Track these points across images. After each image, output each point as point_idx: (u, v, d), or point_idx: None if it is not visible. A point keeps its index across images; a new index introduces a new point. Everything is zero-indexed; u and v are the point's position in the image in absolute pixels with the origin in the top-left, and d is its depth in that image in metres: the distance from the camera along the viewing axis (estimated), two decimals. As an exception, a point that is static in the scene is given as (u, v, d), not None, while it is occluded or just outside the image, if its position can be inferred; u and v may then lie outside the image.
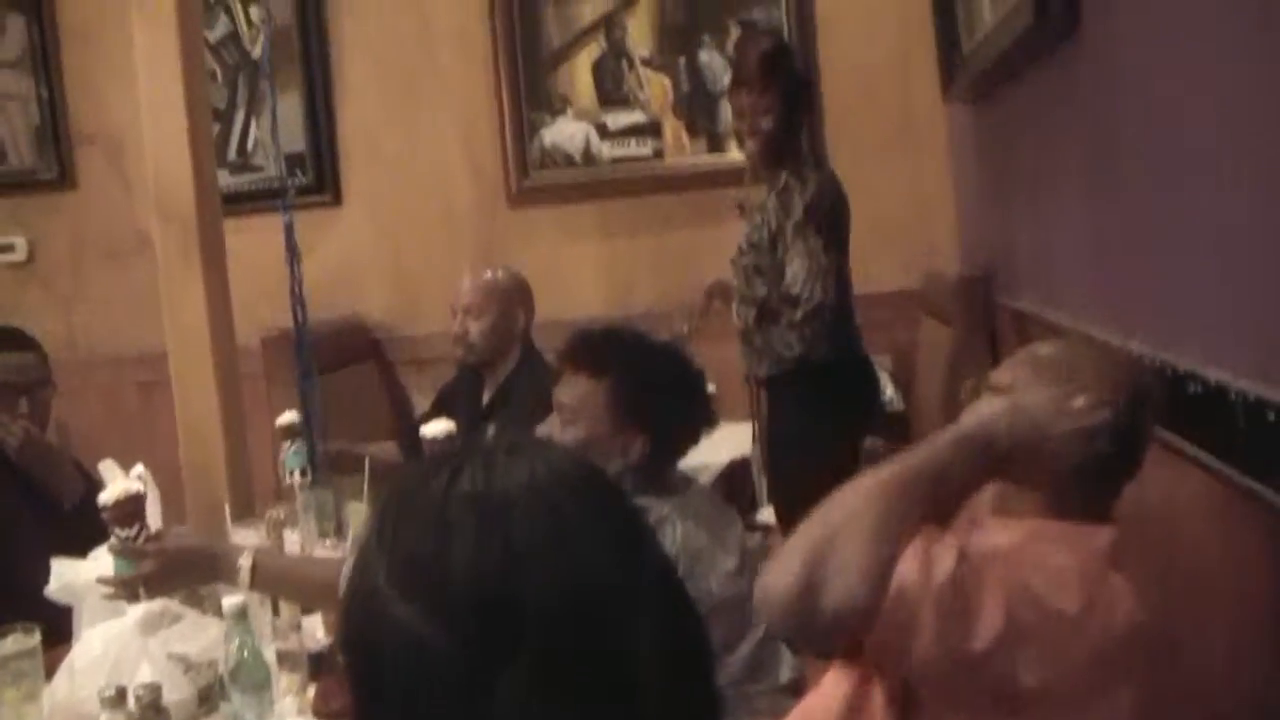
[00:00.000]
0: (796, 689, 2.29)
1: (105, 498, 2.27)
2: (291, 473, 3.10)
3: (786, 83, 3.62)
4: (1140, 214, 2.23)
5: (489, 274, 3.76)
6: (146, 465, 2.59)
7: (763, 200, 3.67)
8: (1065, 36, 2.58)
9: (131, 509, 2.28)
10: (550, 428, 2.48)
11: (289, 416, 3.21)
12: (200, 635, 2.25)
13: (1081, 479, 1.66)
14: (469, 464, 1.02)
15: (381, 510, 1.05)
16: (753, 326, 3.66)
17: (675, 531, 2.31)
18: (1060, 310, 2.93)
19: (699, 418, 2.51)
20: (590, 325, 2.62)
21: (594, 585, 0.98)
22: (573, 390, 2.45)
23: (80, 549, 2.43)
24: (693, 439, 2.49)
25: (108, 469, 2.48)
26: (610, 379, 2.43)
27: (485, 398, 3.72)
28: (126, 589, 2.24)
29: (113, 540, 2.25)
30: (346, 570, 1.08)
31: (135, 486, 2.33)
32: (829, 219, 3.53)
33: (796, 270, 3.51)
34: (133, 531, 2.25)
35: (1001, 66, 3.27)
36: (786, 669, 2.37)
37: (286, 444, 3.16)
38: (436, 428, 2.63)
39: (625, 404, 2.41)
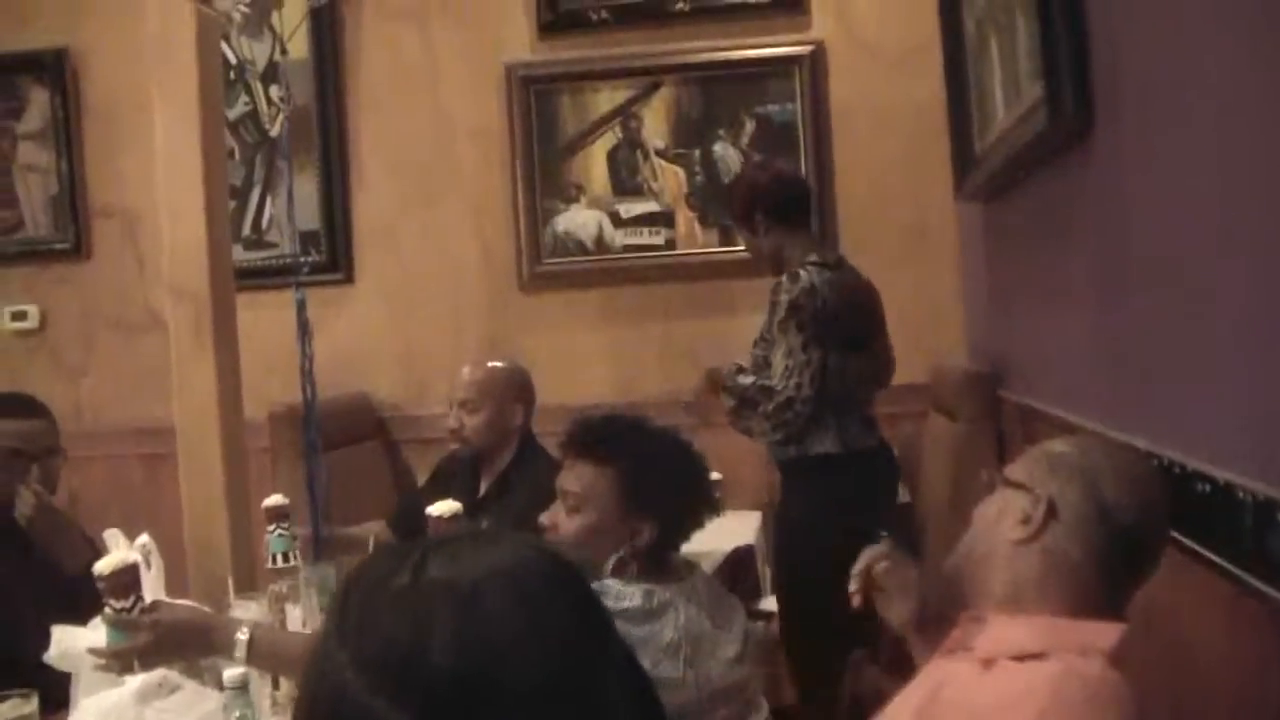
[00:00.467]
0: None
1: (100, 567, 2.23)
2: (275, 556, 3.00)
3: (764, 204, 3.82)
4: (1147, 314, 2.25)
5: (487, 366, 3.76)
6: (151, 537, 2.58)
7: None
8: (1078, 139, 2.61)
9: (127, 579, 2.24)
10: (552, 516, 2.47)
11: (275, 499, 3.11)
12: (198, 706, 2.23)
13: (1099, 575, 1.67)
14: (433, 553, 1.01)
15: (343, 600, 1.03)
16: (735, 411, 3.74)
17: (679, 617, 2.30)
18: (1067, 407, 2.94)
19: (703, 505, 2.51)
20: (591, 413, 2.62)
21: (572, 665, 0.98)
22: (579, 478, 2.44)
23: (82, 617, 2.43)
24: (697, 525, 2.49)
25: (112, 538, 2.48)
26: (617, 467, 2.43)
27: (482, 487, 3.71)
28: (120, 660, 2.21)
29: (107, 611, 2.22)
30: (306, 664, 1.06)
31: (132, 557, 2.30)
32: (813, 316, 3.60)
33: (776, 364, 3.62)
34: (128, 603, 2.22)
35: (1013, 167, 3.30)
36: (783, 754, 2.36)
37: (271, 527, 3.05)
38: (443, 507, 2.62)
39: (632, 491, 2.41)
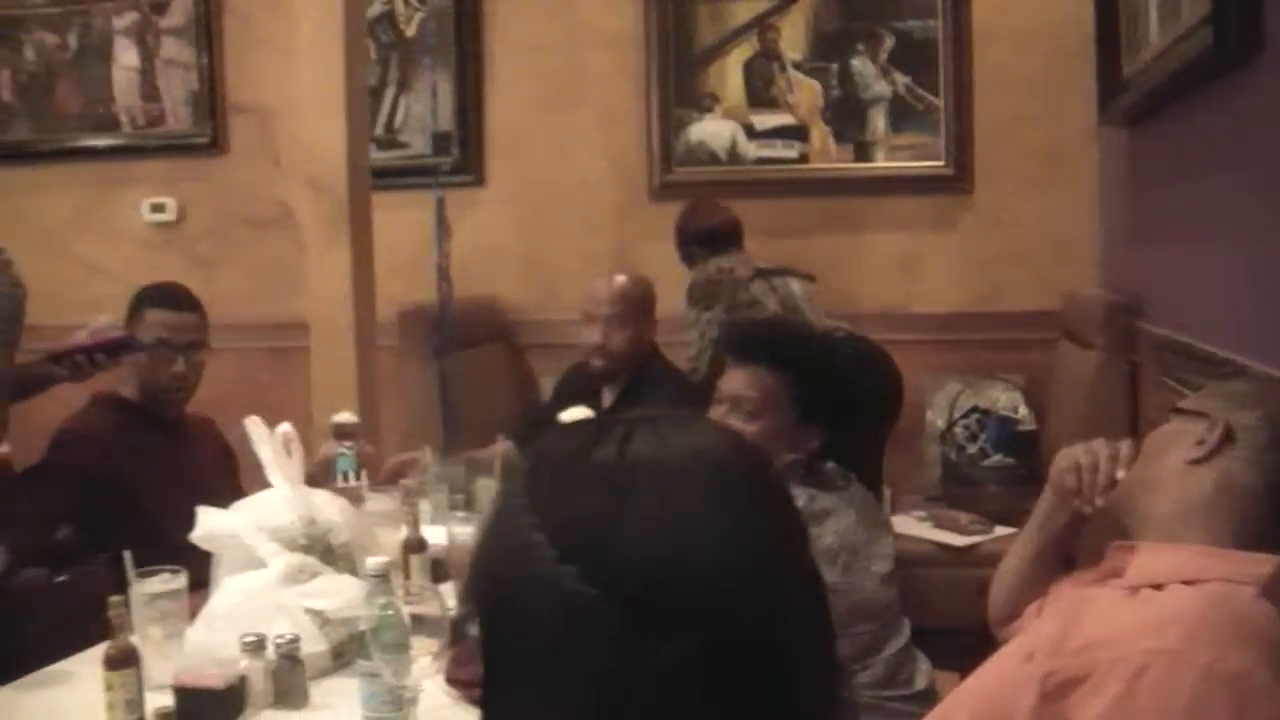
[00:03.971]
0: (929, 698, 2.28)
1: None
2: (344, 475, 2.96)
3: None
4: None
5: (628, 280, 3.74)
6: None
7: None
8: (1243, 62, 2.52)
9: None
10: (719, 421, 2.45)
11: (344, 416, 3.09)
12: (339, 593, 2.28)
13: (1269, 503, 1.64)
14: (638, 429, 0.98)
15: (535, 467, 1.00)
16: None
17: (839, 524, 2.30)
18: (1217, 341, 2.86)
19: (871, 412, 2.51)
20: (755, 320, 2.61)
21: (762, 574, 0.94)
22: (752, 383, 2.43)
23: (225, 502, 2.49)
24: (867, 429, 2.50)
25: (253, 425, 2.52)
26: (794, 372, 2.43)
27: (606, 398, 3.71)
28: None
29: None
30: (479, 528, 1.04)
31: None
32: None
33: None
34: None
35: (1167, 91, 3.21)
36: (923, 677, 2.36)
37: (337, 444, 3.03)
38: (576, 413, 2.63)
39: (809, 397, 2.42)
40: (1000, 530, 4.13)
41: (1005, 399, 4.57)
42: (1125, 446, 1.84)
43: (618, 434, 0.98)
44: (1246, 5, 2.46)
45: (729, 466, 0.98)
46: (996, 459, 4.40)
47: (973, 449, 4.39)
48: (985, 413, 4.46)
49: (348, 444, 3.00)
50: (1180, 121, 3.25)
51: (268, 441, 2.47)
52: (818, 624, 1.00)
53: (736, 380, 2.46)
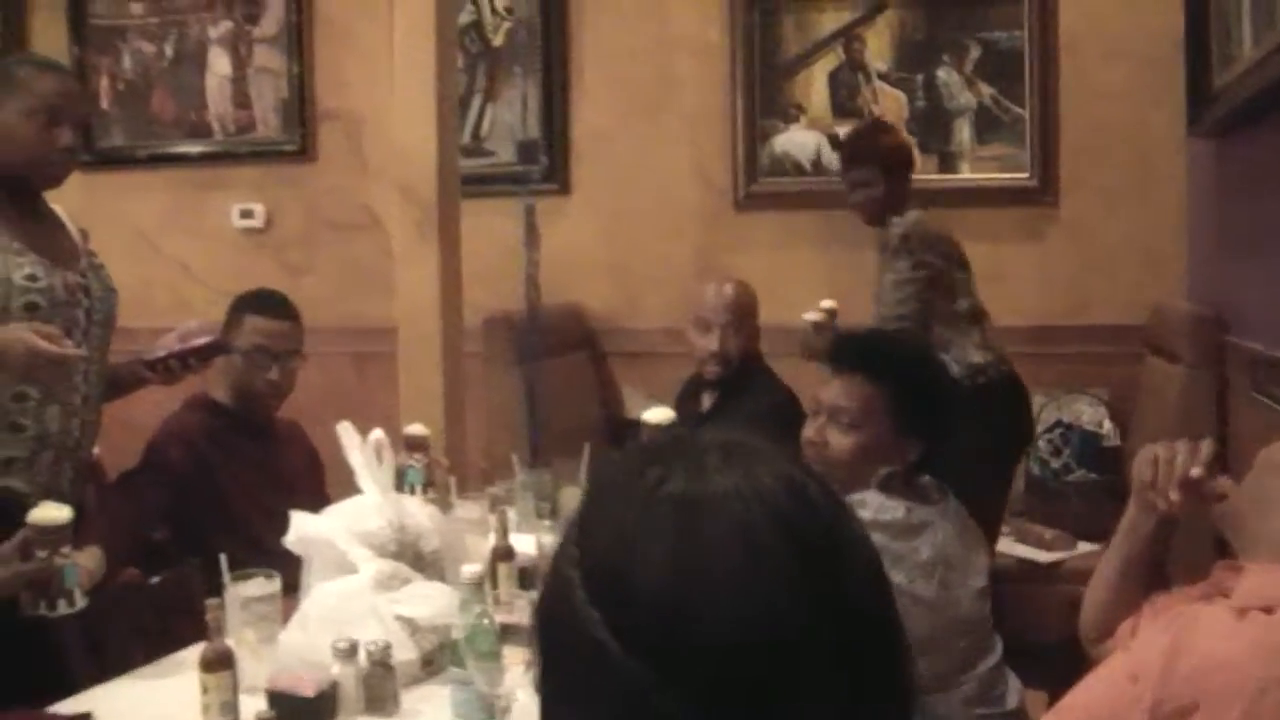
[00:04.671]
0: (1020, 717, 2.28)
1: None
2: (411, 487, 2.95)
3: (885, 157, 4.06)
4: None
5: (735, 287, 3.78)
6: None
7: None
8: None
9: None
10: (818, 431, 2.46)
11: (416, 429, 3.11)
12: (432, 599, 2.31)
13: None
14: (679, 462, 0.96)
15: (588, 495, 1.01)
16: None
17: (937, 537, 2.30)
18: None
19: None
20: (854, 329, 2.61)
21: (784, 614, 0.90)
22: (852, 394, 2.44)
23: (316, 508, 2.53)
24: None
25: (345, 432, 2.56)
26: (895, 384, 2.43)
27: (705, 402, 3.75)
28: None
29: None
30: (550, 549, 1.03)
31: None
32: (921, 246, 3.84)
33: (883, 292, 3.80)
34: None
35: (1260, 102, 3.17)
36: (1014, 695, 2.35)
37: (408, 456, 3.02)
38: (658, 414, 2.64)
39: (910, 409, 2.42)
40: (1084, 546, 4.10)
41: (1090, 414, 4.54)
42: (1206, 445, 1.82)
43: (659, 466, 0.96)
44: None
45: (760, 507, 0.94)
46: (1080, 474, 4.38)
47: (1057, 464, 4.36)
48: (1069, 427, 4.44)
49: (418, 456, 3.03)
50: (1272, 133, 3.21)
51: (359, 448, 2.51)
52: (861, 663, 0.95)
53: (834, 390, 2.46)
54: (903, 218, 3.89)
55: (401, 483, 2.94)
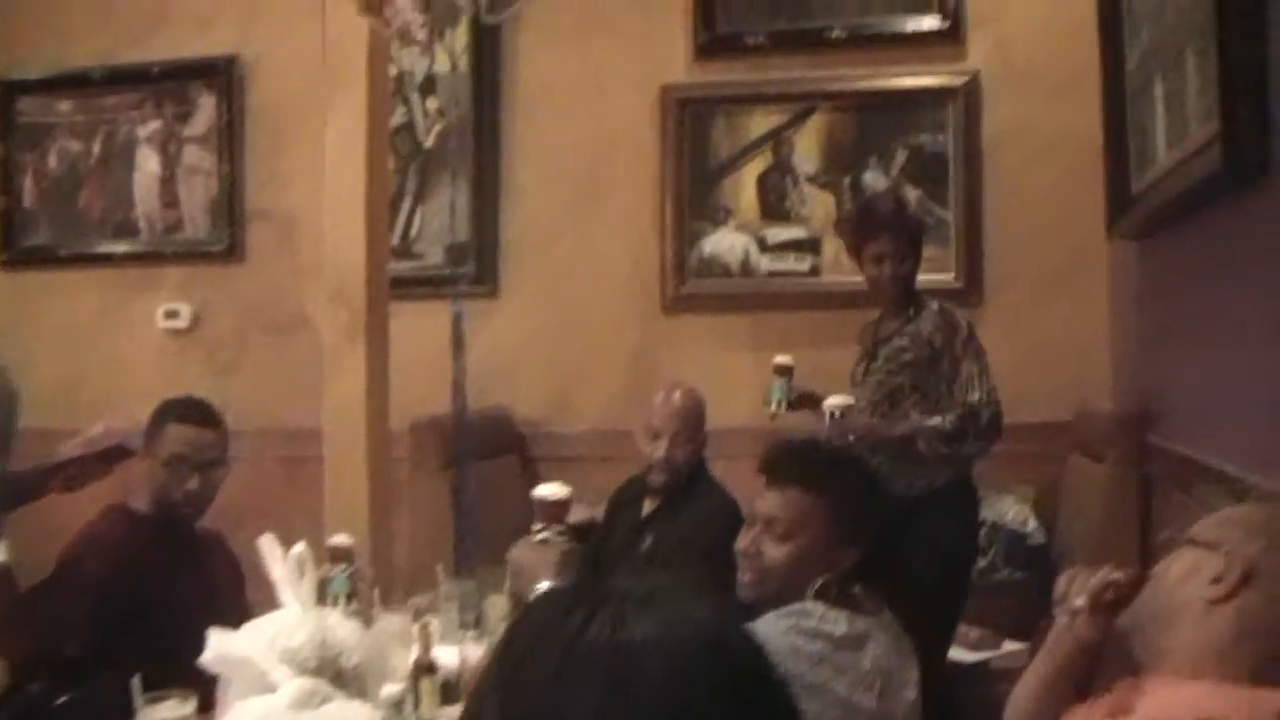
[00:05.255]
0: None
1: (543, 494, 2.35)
2: (336, 598, 2.88)
3: (915, 228, 3.96)
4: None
5: (685, 395, 3.78)
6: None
7: (892, 330, 3.88)
8: (1254, 180, 2.55)
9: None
10: (753, 542, 2.47)
11: (340, 539, 3.02)
12: (348, 718, 2.26)
13: None
14: (602, 609, 0.97)
15: (508, 639, 1.02)
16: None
17: (876, 648, 2.29)
18: (1235, 460, 2.85)
19: None
20: (787, 438, 2.64)
21: None
22: (789, 504, 2.44)
23: (235, 623, 2.47)
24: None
25: (267, 545, 2.51)
26: (830, 494, 2.44)
27: (645, 508, 3.74)
28: None
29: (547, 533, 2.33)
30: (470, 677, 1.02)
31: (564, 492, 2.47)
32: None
33: (973, 377, 3.74)
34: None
35: (1177, 206, 3.23)
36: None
37: (334, 567, 2.94)
38: (548, 490, 2.60)
39: (844, 518, 2.43)
40: (1009, 645, 4.10)
41: (1015, 512, 4.55)
42: (1127, 571, 1.83)
43: (581, 613, 0.97)
44: (1257, 127, 2.49)
45: (687, 658, 0.95)
46: (1006, 573, 4.39)
47: (983, 563, 4.37)
48: (995, 526, 4.44)
49: (343, 565, 2.97)
50: (1190, 237, 3.27)
51: (281, 562, 2.46)
52: None
53: (768, 501, 2.47)
54: (934, 306, 3.86)
55: (325, 594, 2.88)
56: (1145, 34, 3.53)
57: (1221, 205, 2.87)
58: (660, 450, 3.67)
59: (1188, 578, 1.71)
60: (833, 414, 3.74)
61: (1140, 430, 3.87)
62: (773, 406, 3.92)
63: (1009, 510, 4.55)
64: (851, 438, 3.69)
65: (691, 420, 3.71)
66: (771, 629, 2.22)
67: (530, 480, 5.12)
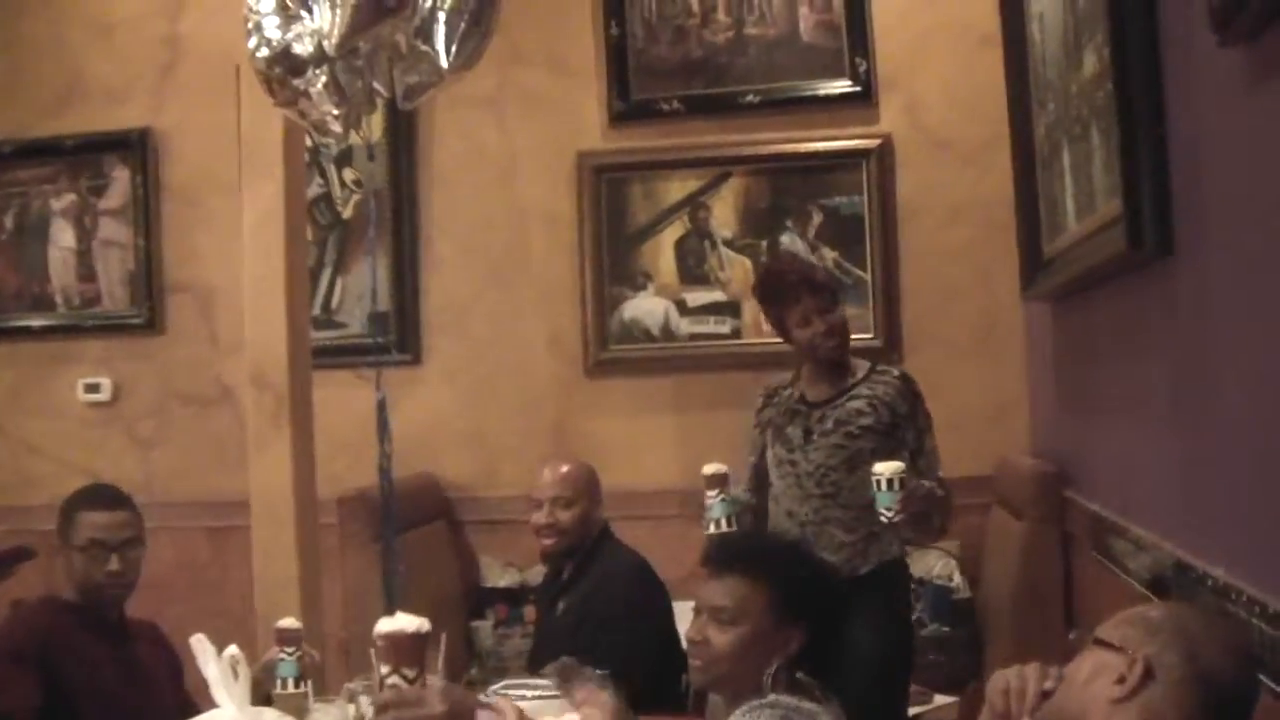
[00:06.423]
0: None
1: (385, 629, 2.12)
2: (284, 681, 2.89)
3: (825, 278, 3.86)
4: (1235, 437, 2.23)
5: (566, 467, 3.83)
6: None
7: (838, 390, 3.73)
8: (1157, 260, 2.60)
9: (419, 646, 2.14)
10: (698, 630, 2.53)
11: (288, 622, 3.00)
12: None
13: None
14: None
15: None
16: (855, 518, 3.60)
17: None
18: (1140, 522, 2.92)
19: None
20: (726, 534, 2.72)
21: None
22: (730, 593, 2.51)
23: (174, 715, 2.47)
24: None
25: (199, 644, 2.52)
26: (771, 580, 2.52)
27: (566, 572, 3.79)
28: None
29: (394, 678, 2.09)
30: None
31: (425, 625, 2.17)
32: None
33: (934, 451, 3.67)
34: (414, 672, 2.10)
35: (1086, 276, 3.28)
36: None
37: (282, 651, 2.93)
38: (397, 622, 2.36)
39: (786, 599, 2.50)
40: (940, 699, 4.14)
41: (940, 567, 4.62)
42: (1056, 672, 1.87)
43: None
44: (1156, 209, 2.53)
45: None
46: (934, 628, 4.44)
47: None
48: (921, 582, 4.49)
49: (289, 649, 2.97)
50: (1100, 303, 3.32)
51: (215, 661, 2.46)
52: None
53: (711, 590, 2.55)
54: (895, 372, 3.77)
55: (273, 677, 2.91)
56: (1051, 105, 3.58)
57: (1127, 279, 2.93)
58: (542, 517, 3.74)
59: (1095, 677, 1.75)
60: (891, 482, 3.26)
61: (1057, 486, 3.94)
62: (710, 528, 3.40)
63: (935, 565, 4.62)
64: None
65: (569, 485, 3.76)
66: None
67: (460, 544, 5.16)
